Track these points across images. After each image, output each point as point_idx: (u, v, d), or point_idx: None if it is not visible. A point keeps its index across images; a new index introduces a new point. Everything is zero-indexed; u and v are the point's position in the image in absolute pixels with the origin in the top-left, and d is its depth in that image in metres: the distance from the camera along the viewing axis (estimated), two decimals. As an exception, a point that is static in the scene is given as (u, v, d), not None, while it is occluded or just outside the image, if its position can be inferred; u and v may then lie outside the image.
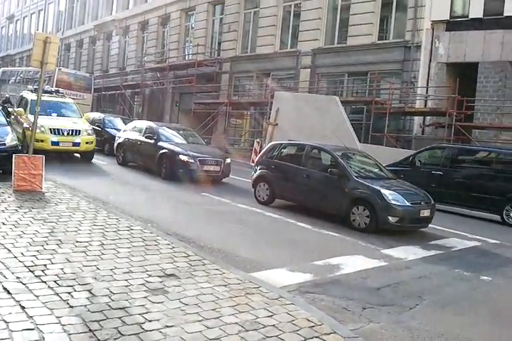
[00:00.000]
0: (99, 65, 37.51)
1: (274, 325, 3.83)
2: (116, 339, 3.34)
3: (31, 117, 12.08)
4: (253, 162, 13.97)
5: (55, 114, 13.88)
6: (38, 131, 11.72)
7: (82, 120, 14.21)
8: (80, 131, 13.04)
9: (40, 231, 5.74)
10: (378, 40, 20.19)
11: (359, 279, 5.71)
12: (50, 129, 12.60)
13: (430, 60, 18.45)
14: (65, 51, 42.34)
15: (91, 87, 27.55)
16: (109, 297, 4.03)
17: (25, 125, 12.88)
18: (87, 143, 13.11)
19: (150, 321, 3.66)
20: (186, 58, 28.75)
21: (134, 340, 3.36)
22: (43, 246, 5.21)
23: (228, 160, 12.84)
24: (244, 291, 4.50)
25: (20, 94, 15.99)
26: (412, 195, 8.77)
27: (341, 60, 20.64)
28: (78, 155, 13.87)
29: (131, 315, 3.74)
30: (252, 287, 4.64)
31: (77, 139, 12.89)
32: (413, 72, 18.86)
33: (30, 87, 16.03)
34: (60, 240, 5.48)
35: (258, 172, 10.55)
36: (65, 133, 12.78)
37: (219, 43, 27.44)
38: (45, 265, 4.63)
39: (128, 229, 6.29)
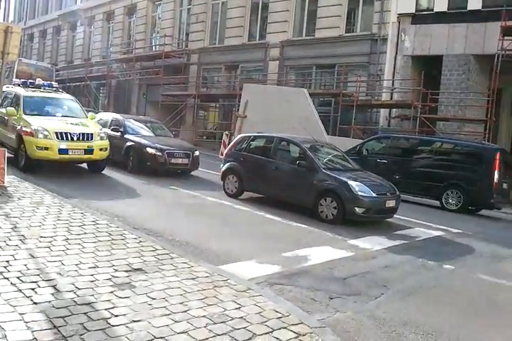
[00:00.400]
0: (64, 55, 36.59)
1: (242, 317, 3.85)
2: (81, 335, 3.30)
3: (29, 119, 10.47)
4: (222, 154, 13.92)
5: (57, 114, 11.38)
6: (40, 135, 9.96)
7: (90, 121, 11.57)
8: (92, 134, 10.52)
9: (2, 227, 5.59)
10: (346, 32, 20.37)
11: (326, 270, 5.79)
12: (56, 133, 10.07)
13: (396, 53, 18.75)
14: (28, 41, 41.14)
15: (52, 78, 26.84)
16: (75, 292, 3.97)
17: (20, 128, 10.41)
18: (101, 149, 10.62)
19: (116, 316, 3.62)
20: (153, 49, 28.35)
21: (99, 336, 3.32)
22: (5, 241, 5.07)
23: (197, 153, 12.76)
24: (213, 284, 4.50)
25: (5, 89, 12.94)
26: (377, 186, 8.93)
27: (309, 53, 20.73)
28: (85, 165, 11.55)
29: (97, 310, 3.70)
30: (220, 280, 4.65)
31: (90, 145, 10.40)
32: (379, 64, 19.12)
33: (16, 80, 12.94)
34: (23, 235, 5.35)
35: (227, 164, 10.53)
36: (75, 138, 10.24)
37: (187, 34, 27.16)
38: (7, 261, 4.51)
39: (93, 223, 6.18)
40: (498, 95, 16.76)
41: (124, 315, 3.66)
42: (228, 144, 13.74)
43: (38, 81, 12.59)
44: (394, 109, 18.99)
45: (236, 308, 4.01)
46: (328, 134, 16.42)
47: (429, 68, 17.54)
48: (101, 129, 11.27)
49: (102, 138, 10.79)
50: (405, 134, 15.32)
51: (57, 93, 12.58)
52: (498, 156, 11.73)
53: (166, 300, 4.00)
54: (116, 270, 4.58)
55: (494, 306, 5.20)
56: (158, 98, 25.35)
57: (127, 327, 3.48)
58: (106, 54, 31.02)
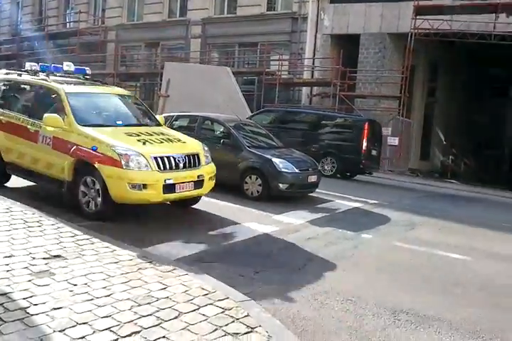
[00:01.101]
0: (-33, 33, 33.75)
1: (167, 297, 3.85)
2: (-3, 327, 3.16)
3: (99, 135, 6.35)
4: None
5: (120, 122, 7.17)
6: (132, 164, 6.02)
7: (173, 131, 7.78)
8: (198, 156, 6.86)
9: None
10: (267, 10, 20.38)
11: (252, 245, 5.91)
12: (156, 159, 6.23)
13: (316, 32, 19.08)
14: None
15: None
16: (-11, 284, 3.78)
17: (81, 149, 6.31)
18: (210, 178, 7.00)
19: (35, 305, 3.49)
20: (68, 26, 26.90)
21: (18, 326, 3.19)
22: None
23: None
24: (137, 267, 4.45)
25: (4, 77, 8.36)
26: (300, 162, 9.17)
27: (232, 31, 20.57)
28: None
29: (14, 300, 3.54)
30: (144, 262, 4.60)
31: (200, 174, 6.73)
32: (301, 43, 19.39)
33: (32, 64, 8.16)
34: None
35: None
36: (181, 165, 6.49)
37: (103, 10, 26.00)
38: None
39: (7, 211, 5.86)
40: (412, 72, 17.61)
41: (44, 303, 3.54)
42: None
43: (67, 66, 7.90)
44: (315, 87, 19.42)
45: (161, 289, 4.00)
46: (252, 112, 16.52)
47: (347, 47, 18.03)
48: (200, 143, 7.36)
49: (207, 161, 7.08)
50: (287, 107, 16.45)
51: (102, 85, 8.16)
52: (366, 126, 13.05)
53: (88, 286, 3.91)
54: (33, 258, 4.39)
55: (407, 270, 5.58)
56: (75, 78, 24.17)
57: (47, 315, 3.37)
58: (15, 31, 29.00)
